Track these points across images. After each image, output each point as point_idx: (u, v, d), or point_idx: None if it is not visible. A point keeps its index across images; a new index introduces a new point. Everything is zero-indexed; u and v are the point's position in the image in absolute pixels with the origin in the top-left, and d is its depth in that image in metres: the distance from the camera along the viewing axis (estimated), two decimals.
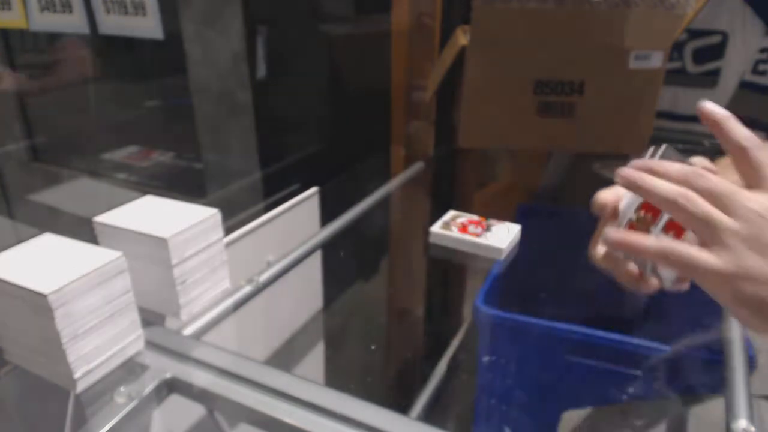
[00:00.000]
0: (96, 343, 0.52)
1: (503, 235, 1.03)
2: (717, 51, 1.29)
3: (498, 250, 1.01)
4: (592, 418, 0.83)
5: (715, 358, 0.77)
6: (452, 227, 1.06)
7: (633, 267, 0.50)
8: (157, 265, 0.59)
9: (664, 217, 0.47)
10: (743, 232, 0.41)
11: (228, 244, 0.75)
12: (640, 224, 0.49)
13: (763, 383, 0.75)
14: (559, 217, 1.24)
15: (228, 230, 0.72)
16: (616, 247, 0.48)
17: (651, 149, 0.51)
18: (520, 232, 1.06)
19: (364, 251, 1.58)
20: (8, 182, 2.05)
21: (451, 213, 1.11)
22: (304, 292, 1.06)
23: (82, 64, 1.55)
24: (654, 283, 0.50)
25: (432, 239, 1.06)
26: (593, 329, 0.88)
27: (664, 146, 0.51)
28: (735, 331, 0.71)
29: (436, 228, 1.06)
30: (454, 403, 1.22)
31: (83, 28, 1.01)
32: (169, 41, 1.27)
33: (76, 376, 0.51)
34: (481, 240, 1.02)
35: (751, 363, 0.70)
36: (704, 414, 0.75)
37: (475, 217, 1.10)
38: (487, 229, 1.06)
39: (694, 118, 1.49)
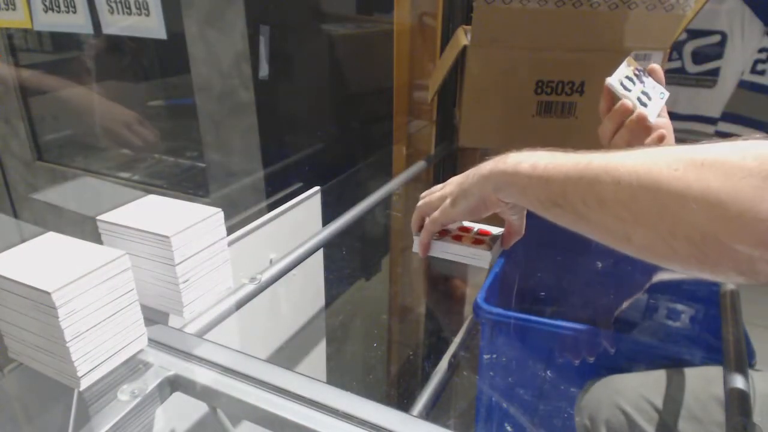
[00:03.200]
0: (99, 340, 0.52)
1: (490, 243, 1.02)
2: (716, 51, 1.29)
3: (483, 259, 1.01)
4: (613, 384, 0.84)
5: (715, 358, 0.77)
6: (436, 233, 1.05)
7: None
8: (160, 263, 0.59)
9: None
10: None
11: (230, 243, 0.76)
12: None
13: (762, 382, 0.75)
14: None
15: (231, 229, 0.73)
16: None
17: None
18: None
19: (366, 250, 1.58)
20: (11, 181, 2.05)
21: None
22: (306, 291, 1.07)
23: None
24: None
25: (415, 248, 1.05)
26: (593, 327, 0.88)
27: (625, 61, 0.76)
28: (735, 331, 0.71)
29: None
30: (455, 401, 1.22)
31: (87, 28, 1.01)
32: (172, 41, 1.27)
33: (80, 373, 0.51)
34: (467, 248, 1.02)
35: (750, 362, 0.70)
36: (707, 411, 0.76)
37: (461, 223, 1.10)
38: (473, 235, 1.05)
39: (694, 118, 1.50)
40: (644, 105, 0.72)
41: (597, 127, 1.14)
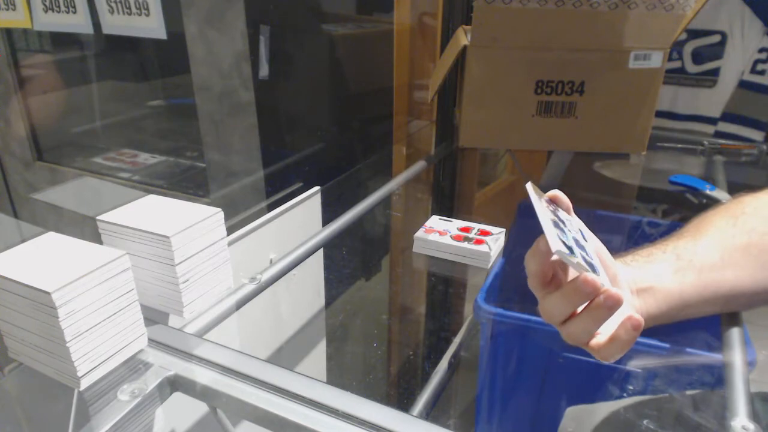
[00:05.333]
0: (99, 340, 0.52)
1: (490, 242, 1.03)
2: (716, 51, 1.30)
3: (483, 259, 1.01)
4: (596, 414, 0.83)
5: (715, 356, 0.77)
6: (437, 233, 1.06)
7: None
8: (160, 263, 0.59)
9: None
10: None
11: (230, 243, 0.76)
12: None
13: (763, 381, 0.75)
14: None
15: (231, 229, 0.73)
16: None
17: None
18: (508, 235, 1.07)
19: (366, 250, 1.58)
20: (12, 181, 2.05)
21: (434, 218, 1.12)
22: (306, 291, 1.07)
23: None
24: None
25: (416, 248, 1.06)
26: None
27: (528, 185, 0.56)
28: (735, 330, 0.71)
29: (421, 234, 1.06)
30: (455, 401, 1.22)
31: (87, 28, 1.01)
32: (172, 41, 1.27)
33: (80, 373, 0.51)
34: (468, 247, 1.02)
35: (751, 362, 0.70)
36: (706, 411, 0.76)
37: (462, 223, 1.10)
38: (473, 235, 1.06)
39: (694, 118, 1.50)
40: (591, 265, 0.50)
41: (596, 127, 1.15)
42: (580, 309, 0.52)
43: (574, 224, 0.57)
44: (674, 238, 0.67)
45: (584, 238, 0.56)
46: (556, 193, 0.57)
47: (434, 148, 1.43)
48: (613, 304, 0.49)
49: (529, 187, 0.55)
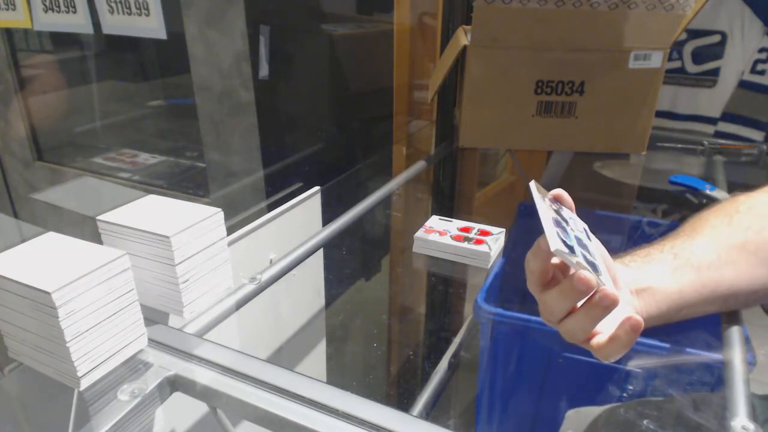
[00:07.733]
0: (99, 340, 0.52)
1: (490, 242, 1.03)
2: (716, 51, 1.30)
3: (483, 259, 1.01)
4: (596, 417, 0.83)
5: (715, 356, 0.77)
6: (436, 233, 1.06)
7: None
8: (160, 263, 0.59)
9: None
10: None
11: (230, 243, 0.76)
12: None
13: (762, 382, 0.75)
14: None
15: (231, 229, 0.73)
16: None
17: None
18: (508, 235, 1.07)
19: (366, 250, 1.58)
20: (12, 181, 2.05)
21: (434, 218, 1.12)
22: (306, 291, 1.07)
23: None
24: None
25: (416, 248, 1.06)
26: None
27: (532, 183, 0.56)
28: (735, 329, 0.71)
29: (421, 234, 1.06)
30: (455, 401, 1.22)
31: (87, 28, 1.01)
32: (172, 41, 1.27)
33: (80, 373, 0.51)
34: (468, 247, 1.02)
35: (751, 361, 0.70)
36: (706, 411, 0.76)
37: (462, 223, 1.10)
38: (473, 235, 1.06)
39: (694, 118, 1.50)
40: (593, 265, 0.51)
41: (596, 127, 1.14)
42: (579, 305, 0.53)
43: (578, 223, 0.57)
44: (671, 237, 0.67)
45: (588, 238, 0.56)
46: (559, 191, 0.57)
47: (434, 148, 1.43)
48: (609, 304, 0.49)
49: (533, 185, 0.55)
